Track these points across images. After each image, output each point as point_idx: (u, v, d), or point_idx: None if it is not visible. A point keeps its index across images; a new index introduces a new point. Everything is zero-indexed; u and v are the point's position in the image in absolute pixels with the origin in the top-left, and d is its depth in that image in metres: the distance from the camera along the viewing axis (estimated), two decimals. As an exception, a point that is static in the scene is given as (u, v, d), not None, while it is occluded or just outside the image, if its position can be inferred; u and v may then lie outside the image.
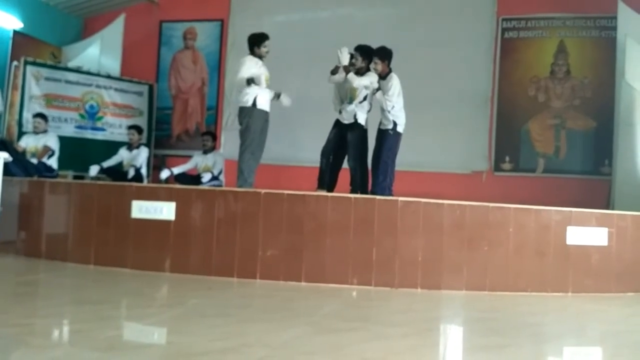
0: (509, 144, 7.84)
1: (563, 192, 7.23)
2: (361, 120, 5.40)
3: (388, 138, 5.32)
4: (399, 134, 5.35)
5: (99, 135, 8.42)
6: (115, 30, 8.92)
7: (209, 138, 7.19)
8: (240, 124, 5.35)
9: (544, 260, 4.58)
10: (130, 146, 7.29)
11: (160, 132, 9.12)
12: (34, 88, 7.72)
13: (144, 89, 8.95)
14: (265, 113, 5.37)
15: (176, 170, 6.85)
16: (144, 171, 7.22)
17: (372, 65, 5.32)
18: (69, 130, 8.07)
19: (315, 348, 2.71)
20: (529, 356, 2.86)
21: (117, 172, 6.98)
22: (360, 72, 5.32)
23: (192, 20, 9.21)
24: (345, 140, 5.43)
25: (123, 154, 7.23)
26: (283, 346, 2.73)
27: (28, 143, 6.88)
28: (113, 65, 8.84)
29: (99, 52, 8.80)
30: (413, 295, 4.34)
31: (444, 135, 7.80)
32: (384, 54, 5.32)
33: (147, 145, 8.16)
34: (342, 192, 5.05)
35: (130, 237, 4.80)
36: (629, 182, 6.39)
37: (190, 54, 9.25)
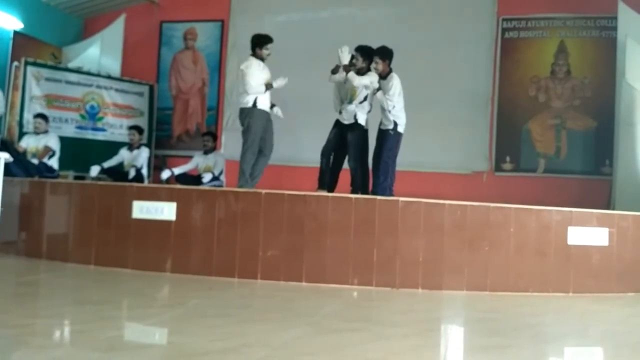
0: (510, 144, 7.84)
1: (564, 192, 7.23)
2: (361, 120, 5.40)
3: (389, 138, 5.31)
4: (399, 134, 5.35)
5: (100, 136, 8.42)
6: (115, 31, 8.93)
7: (209, 138, 7.19)
8: (242, 124, 5.36)
9: (545, 260, 4.58)
10: (131, 146, 7.29)
11: (161, 133, 9.12)
12: (34, 88, 7.72)
13: (145, 89, 8.95)
14: (266, 113, 5.39)
15: (177, 170, 6.84)
16: (144, 171, 7.21)
17: (372, 65, 5.32)
18: (70, 131, 8.07)
19: (315, 348, 2.71)
20: (530, 357, 2.86)
21: (117, 173, 6.97)
22: (360, 73, 5.32)
23: (192, 21, 9.21)
24: (345, 140, 5.43)
25: (124, 155, 7.23)
26: (283, 346, 2.73)
27: (29, 143, 6.88)
28: (113, 65, 8.84)
29: (100, 52, 8.79)
30: (414, 295, 4.34)
31: (444, 136, 7.80)
32: (385, 54, 5.31)
33: (148, 145, 8.16)
34: (343, 193, 5.05)
35: (131, 237, 4.80)
36: (630, 182, 6.38)
37: (191, 55, 9.25)
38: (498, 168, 7.84)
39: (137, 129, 7.44)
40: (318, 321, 3.34)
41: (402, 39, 6.96)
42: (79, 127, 8.22)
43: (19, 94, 7.57)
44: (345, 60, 5.24)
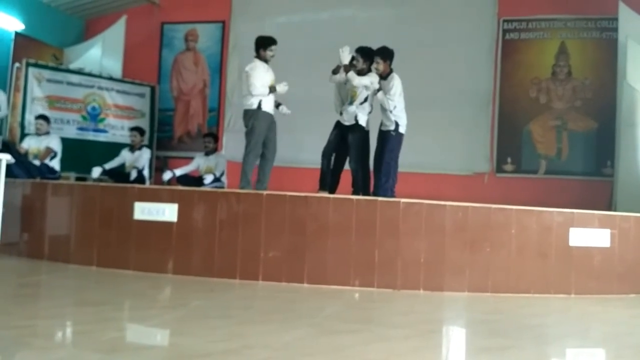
0: (511, 146, 7.83)
1: (565, 194, 7.22)
2: (362, 121, 5.40)
3: (390, 139, 5.31)
4: (400, 135, 5.34)
5: (101, 137, 8.43)
6: (116, 32, 8.93)
7: (210, 139, 7.19)
8: (246, 126, 5.37)
9: (547, 261, 4.58)
10: (132, 148, 7.30)
11: (162, 134, 9.13)
12: (36, 90, 7.73)
13: (146, 90, 8.96)
14: (270, 115, 5.40)
15: (178, 171, 6.84)
16: (146, 173, 7.22)
17: (373, 65, 5.32)
18: (71, 132, 8.07)
19: (317, 350, 2.71)
20: (531, 358, 2.86)
21: (119, 174, 6.98)
22: (361, 74, 5.32)
23: (193, 22, 9.22)
24: (346, 141, 5.43)
25: (125, 156, 7.23)
26: (285, 348, 2.73)
27: (30, 145, 6.88)
28: (115, 66, 8.84)
29: (101, 53, 8.79)
30: (415, 296, 4.34)
31: (445, 137, 7.80)
32: (386, 54, 5.31)
33: (149, 146, 8.15)
34: (344, 194, 5.05)
35: (133, 238, 4.81)
36: (631, 183, 6.38)
37: (192, 56, 9.26)
38: (499, 169, 7.84)
39: (138, 130, 7.45)
40: (319, 322, 3.34)
41: (402, 40, 6.95)
42: (81, 129, 8.23)
43: (20, 95, 7.58)
44: (346, 60, 5.24)
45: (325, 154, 5.51)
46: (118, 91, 8.64)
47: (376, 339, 3.00)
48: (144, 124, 8.61)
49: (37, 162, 6.67)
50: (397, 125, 5.29)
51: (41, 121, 6.99)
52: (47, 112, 7.53)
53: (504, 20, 7.93)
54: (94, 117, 8.39)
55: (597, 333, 3.56)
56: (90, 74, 8.38)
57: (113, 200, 4.95)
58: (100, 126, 8.45)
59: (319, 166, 5.53)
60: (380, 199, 4.71)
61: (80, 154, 7.78)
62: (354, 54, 5.32)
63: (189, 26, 9.25)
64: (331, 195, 4.86)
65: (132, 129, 7.55)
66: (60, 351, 2.57)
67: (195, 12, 9.12)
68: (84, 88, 8.28)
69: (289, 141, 7.42)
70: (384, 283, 4.47)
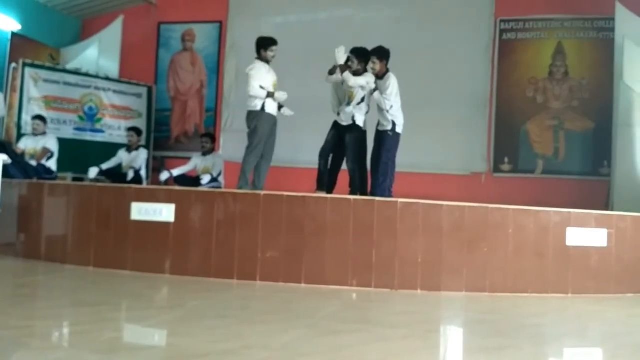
0: (508, 145, 7.85)
1: (562, 194, 7.24)
2: (359, 122, 5.40)
3: (387, 139, 5.31)
4: (398, 135, 5.34)
5: (98, 137, 8.42)
6: (113, 32, 8.92)
7: (208, 140, 7.18)
8: (249, 127, 5.37)
9: (544, 261, 4.58)
10: (129, 148, 7.28)
11: (159, 134, 9.12)
12: (32, 90, 7.72)
13: (143, 90, 8.95)
14: (273, 117, 5.41)
15: (175, 172, 6.84)
16: (143, 173, 7.20)
17: (369, 65, 5.31)
18: (68, 132, 8.06)
19: (315, 350, 2.71)
20: (528, 358, 2.86)
21: (116, 174, 6.96)
22: (357, 74, 5.31)
23: (190, 22, 9.21)
24: (343, 141, 5.43)
25: (122, 156, 7.22)
26: (283, 348, 2.73)
27: (27, 145, 6.87)
28: (112, 67, 8.84)
29: (98, 53, 8.80)
30: (413, 296, 4.34)
31: (443, 137, 7.81)
32: (382, 54, 5.30)
33: (146, 147, 8.15)
34: (342, 194, 5.05)
35: (130, 239, 4.80)
36: (628, 183, 6.40)
37: (189, 56, 9.25)
38: (496, 169, 7.85)
39: (135, 130, 7.44)
40: (317, 322, 3.34)
41: (399, 40, 6.96)
42: (77, 129, 8.22)
43: (17, 95, 7.57)
44: (342, 60, 5.25)
45: (323, 154, 5.51)
46: (115, 91, 8.63)
47: (374, 339, 3.00)
48: (141, 124, 8.61)
49: (34, 163, 6.66)
50: (394, 125, 5.29)
51: (38, 121, 6.98)
52: (43, 113, 7.52)
53: (501, 21, 7.95)
54: (91, 117, 8.38)
55: (595, 333, 3.57)
56: (87, 74, 8.38)
57: (110, 201, 4.94)
58: (97, 126, 8.44)
59: (317, 166, 5.53)
60: (377, 199, 4.71)
61: (77, 155, 7.77)
62: (349, 55, 5.32)
63: (186, 26, 9.24)
64: (329, 196, 4.86)
65: (129, 129, 7.53)
66: (57, 352, 2.57)
67: (192, 12, 9.12)
68: (80, 88, 8.28)
69: (286, 141, 7.39)
70: (382, 283, 4.47)
